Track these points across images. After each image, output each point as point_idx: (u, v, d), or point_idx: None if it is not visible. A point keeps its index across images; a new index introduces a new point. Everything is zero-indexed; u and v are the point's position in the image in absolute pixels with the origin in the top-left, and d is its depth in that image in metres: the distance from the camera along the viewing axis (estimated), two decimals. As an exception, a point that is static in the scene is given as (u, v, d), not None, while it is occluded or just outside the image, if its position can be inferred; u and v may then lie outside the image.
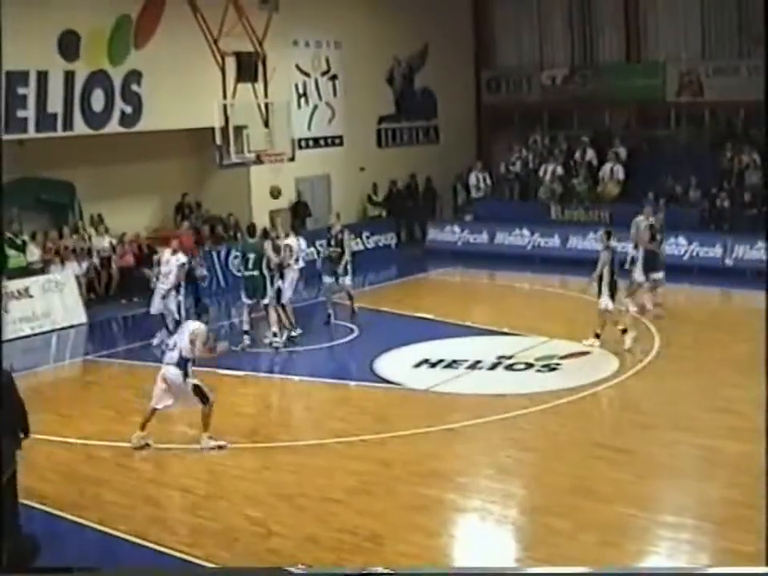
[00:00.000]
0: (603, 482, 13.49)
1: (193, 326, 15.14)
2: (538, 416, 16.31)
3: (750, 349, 18.40)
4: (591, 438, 15.22)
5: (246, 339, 21.07)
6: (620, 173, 31.71)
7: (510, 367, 19.10)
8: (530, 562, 11.26)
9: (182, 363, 14.86)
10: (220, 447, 14.93)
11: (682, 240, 28.36)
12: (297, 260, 22.04)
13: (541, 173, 32.89)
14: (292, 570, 10.40)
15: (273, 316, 20.98)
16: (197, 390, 14.88)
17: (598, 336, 20.13)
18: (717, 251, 27.88)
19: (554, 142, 34.36)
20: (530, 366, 19.05)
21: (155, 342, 20.85)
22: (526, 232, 31.04)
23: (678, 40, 33.25)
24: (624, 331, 20.07)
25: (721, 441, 14.91)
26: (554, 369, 18.88)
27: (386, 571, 10.53)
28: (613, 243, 20.51)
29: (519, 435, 15.65)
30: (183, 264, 21.44)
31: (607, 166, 31.93)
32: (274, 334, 20.89)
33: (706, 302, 25.27)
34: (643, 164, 31.83)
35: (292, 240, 22.22)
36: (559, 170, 32.55)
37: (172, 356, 14.93)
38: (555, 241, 30.37)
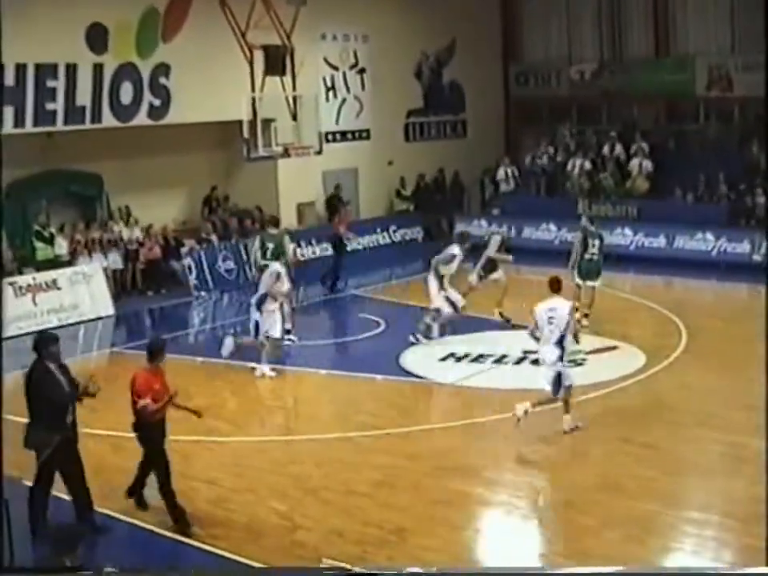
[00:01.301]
0: (629, 477, 13.47)
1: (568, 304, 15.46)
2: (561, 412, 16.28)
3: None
4: (617, 434, 15.18)
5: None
6: (649, 168, 31.59)
7: (536, 362, 19.00)
8: (555, 558, 11.26)
9: (560, 343, 15.03)
10: (576, 428, 15.14)
11: (709, 236, 28.30)
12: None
13: (569, 167, 32.80)
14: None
15: (287, 310, 20.86)
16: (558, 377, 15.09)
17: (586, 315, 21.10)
18: (745, 247, 27.77)
19: (582, 136, 34.28)
20: (556, 361, 19.01)
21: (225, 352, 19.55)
22: (552, 227, 30.98)
23: (707, 35, 33.07)
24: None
25: (747, 438, 14.83)
26: (580, 364, 18.77)
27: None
28: (592, 228, 22.01)
29: (545, 430, 15.62)
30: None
31: (636, 161, 31.82)
32: (287, 331, 20.74)
33: (734, 297, 25.15)
34: (671, 159, 31.72)
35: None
36: (587, 165, 32.47)
37: (552, 337, 15.09)
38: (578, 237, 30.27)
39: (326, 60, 31.25)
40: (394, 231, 31.90)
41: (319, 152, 26.20)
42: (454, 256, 20.51)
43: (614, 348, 19.73)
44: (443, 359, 19.39)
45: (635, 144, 32.12)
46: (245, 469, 14.11)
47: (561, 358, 15.06)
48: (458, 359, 19.33)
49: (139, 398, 12.15)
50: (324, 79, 31.16)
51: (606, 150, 32.80)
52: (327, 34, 31.11)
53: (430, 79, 34.85)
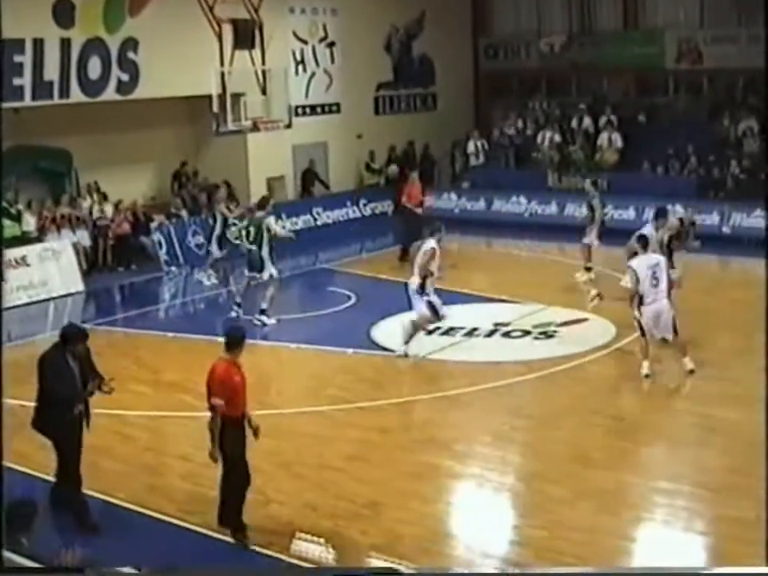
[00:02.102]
0: (600, 449, 13.54)
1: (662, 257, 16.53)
2: (536, 383, 16.35)
3: (748, 317, 18.44)
4: (588, 406, 15.26)
5: (235, 311, 20.81)
6: (618, 141, 31.71)
7: (507, 335, 19.13)
8: (528, 530, 11.32)
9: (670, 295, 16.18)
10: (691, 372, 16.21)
11: (678, 208, 28.38)
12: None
13: (539, 140, 32.88)
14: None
15: (269, 292, 20.58)
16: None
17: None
18: (714, 219, 27.94)
19: (551, 109, 34.32)
20: (527, 333, 19.07)
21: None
22: (523, 199, 31.03)
23: (676, 7, 33.11)
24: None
25: (718, 408, 14.94)
26: (551, 336, 18.91)
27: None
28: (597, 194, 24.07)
29: (516, 403, 15.69)
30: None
31: (605, 134, 31.91)
32: (261, 312, 20.58)
33: (703, 269, 25.20)
34: (641, 132, 31.81)
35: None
36: (556, 138, 32.54)
37: (661, 292, 16.02)
38: (552, 208, 30.38)
39: (294, 34, 31.07)
40: (364, 205, 31.87)
41: (289, 126, 26.13)
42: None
43: (585, 320, 19.79)
44: (414, 333, 19.42)
45: (604, 117, 32.23)
46: (217, 444, 14.08)
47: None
48: (429, 332, 19.31)
49: (214, 395, 11.27)
50: (293, 53, 30.98)
51: (574, 122, 32.89)
52: (295, 7, 30.92)
53: (400, 52, 34.74)
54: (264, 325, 20.26)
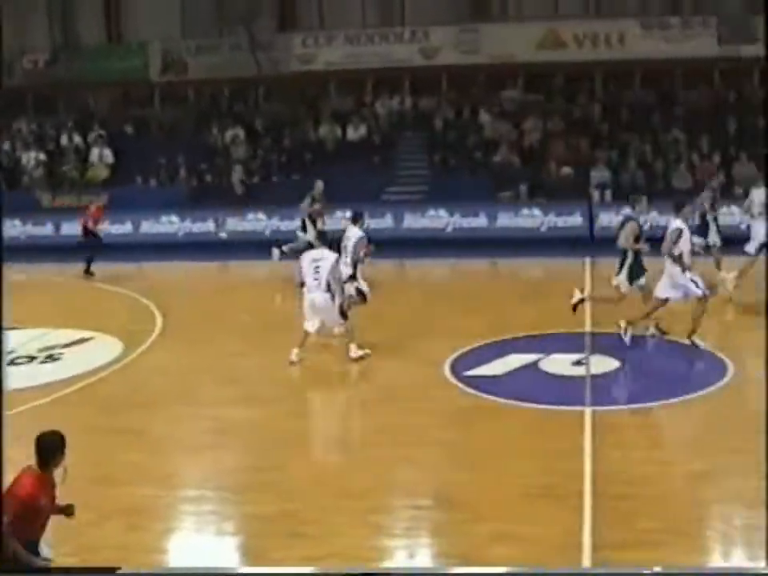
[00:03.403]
0: (120, 466, 13.42)
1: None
2: (47, 408, 15.95)
3: (252, 318, 19.05)
4: (102, 424, 15.05)
5: None
6: (109, 156, 31.76)
7: (12, 362, 18.54)
8: (59, 558, 11.03)
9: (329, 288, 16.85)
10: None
11: (174, 217, 28.91)
12: None
13: (24, 161, 32.33)
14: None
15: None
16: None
17: None
18: (209, 225, 28.70)
19: (40, 128, 33.78)
20: (32, 358, 18.64)
21: None
22: (17, 222, 30.10)
23: (158, 19, 33.53)
24: None
25: (229, 410, 15.26)
26: (57, 359, 18.60)
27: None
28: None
29: (29, 432, 15.30)
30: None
31: (96, 150, 31.87)
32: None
33: (202, 275, 25.83)
34: (131, 145, 32.01)
35: None
36: (42, 157, 32.19)
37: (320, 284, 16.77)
38: (48, 229, 29.91)
39: None
40: None
41: None
42: (680, 230, 16.75)
43: (90, 339, 19.62)
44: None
45: (93, 132, 32.17)
46: None
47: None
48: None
49: (8, 513, 8.53)
50: None
51: (64, 140, 32.61)
52: None
53: None
54: None
